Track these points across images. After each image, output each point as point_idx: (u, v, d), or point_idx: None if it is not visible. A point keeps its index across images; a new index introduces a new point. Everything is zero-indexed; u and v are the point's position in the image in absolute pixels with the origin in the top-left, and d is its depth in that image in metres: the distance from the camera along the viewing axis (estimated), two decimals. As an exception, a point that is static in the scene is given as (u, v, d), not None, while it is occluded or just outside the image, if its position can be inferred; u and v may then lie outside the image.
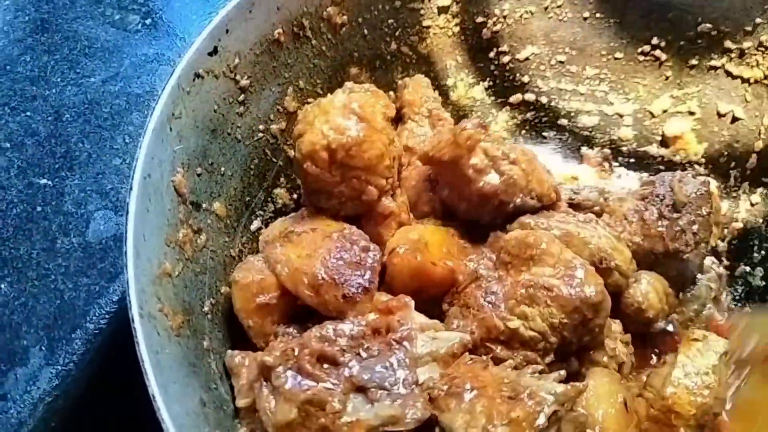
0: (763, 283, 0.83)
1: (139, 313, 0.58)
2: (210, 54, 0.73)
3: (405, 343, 0.64)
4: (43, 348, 0.71)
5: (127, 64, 0.93)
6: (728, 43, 0.84)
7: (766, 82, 0.83)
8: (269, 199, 0.83)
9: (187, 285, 0.68)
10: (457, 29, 0.93)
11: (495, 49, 0.94)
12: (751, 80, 0.84)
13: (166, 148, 0.68)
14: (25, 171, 0.82)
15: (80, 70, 0.92)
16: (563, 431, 0.61)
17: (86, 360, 0.72)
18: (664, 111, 0.90)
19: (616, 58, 0.92)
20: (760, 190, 0.84)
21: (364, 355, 0.63)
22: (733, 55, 0.85)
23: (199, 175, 0.73)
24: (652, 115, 0.91)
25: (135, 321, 0.57)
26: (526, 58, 0.95)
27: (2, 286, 0.74)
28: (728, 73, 0.86)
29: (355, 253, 0.70)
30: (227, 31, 0.74)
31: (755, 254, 0.85)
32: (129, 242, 0.60)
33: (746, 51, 0.84)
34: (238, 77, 0.77)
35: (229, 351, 0.69)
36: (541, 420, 0.58)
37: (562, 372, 0.64)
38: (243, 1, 0.75)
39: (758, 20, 0.81)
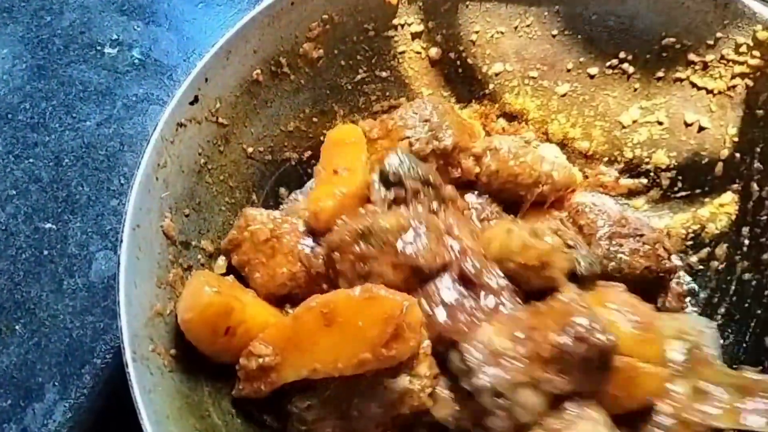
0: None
1: (132, 357, 0.63)
2: (191, 103, 0.78)
3: None
4: (57, 384, 0.78)
5: (120, 105, 0.98)
6: (692, 56, 0.86)
7: (729, 93, 0.85)
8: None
9: (179, 322, 0.73)
10: (432, 52, 0.96)
11: (467, 69, 0.97)
12: (715, 91, 0.86)
13: (153, 197, 0.73)
14: (31, 216, 0.89)
15: (76, 114, 0.97)
16: None
17: (95, 393, 0.79)
18: (634, 121, 0.92)
19: (586, 73, 0.94)
20: (725, 194, 0.87)
21: None
22: (697, 67, 0.86)
23: (187, 215, 0.78)
24: (623, 126, 0.94)
25: (129, 366, 0.63)
26: (497, 74, 0.97)
27: (17, 327, 0.81)
28: (693, 85, 0.87)
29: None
30: (206, 80, 0.78)
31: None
32: (121, 291, 0.65)
33: (709, 63, 0.85)
34: (220, 119, 0.82)
35: None
36: None
37: None
38: (219, 50, 0.79)
39: (719, 34, 0.83)
